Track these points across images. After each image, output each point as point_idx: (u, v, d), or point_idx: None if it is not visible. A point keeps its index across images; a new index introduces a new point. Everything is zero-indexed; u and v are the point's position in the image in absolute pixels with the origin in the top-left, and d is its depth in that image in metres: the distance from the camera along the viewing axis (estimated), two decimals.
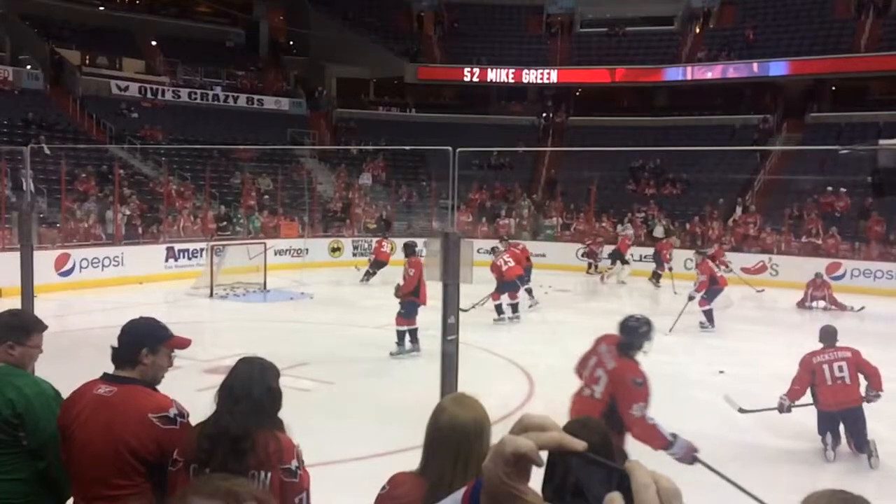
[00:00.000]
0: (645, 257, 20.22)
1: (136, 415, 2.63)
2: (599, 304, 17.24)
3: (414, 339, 10.19)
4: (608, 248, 20.66)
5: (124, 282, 16.25)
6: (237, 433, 2.41)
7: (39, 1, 28.27)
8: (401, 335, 10.17)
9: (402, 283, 10.27)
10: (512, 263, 13.04)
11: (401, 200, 25.48)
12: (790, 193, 22.88)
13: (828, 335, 6.85)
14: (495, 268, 13.00)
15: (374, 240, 19.43)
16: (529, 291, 14.48)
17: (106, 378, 2.78)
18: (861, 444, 6.50)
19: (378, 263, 17.77)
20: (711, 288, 12.69)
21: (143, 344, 2.78)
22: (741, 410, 7.08)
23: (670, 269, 18.33)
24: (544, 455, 0.76)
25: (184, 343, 2.89)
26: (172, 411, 2.65)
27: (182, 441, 2.56)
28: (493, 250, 14.53)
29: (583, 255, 21.41)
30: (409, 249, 10.71)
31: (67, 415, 2.74)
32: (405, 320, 10.15)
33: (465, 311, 12.56)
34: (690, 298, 12.61)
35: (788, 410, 6.75)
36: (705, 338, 12.47)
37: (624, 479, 0.71)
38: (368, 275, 17.76)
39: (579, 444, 0.75)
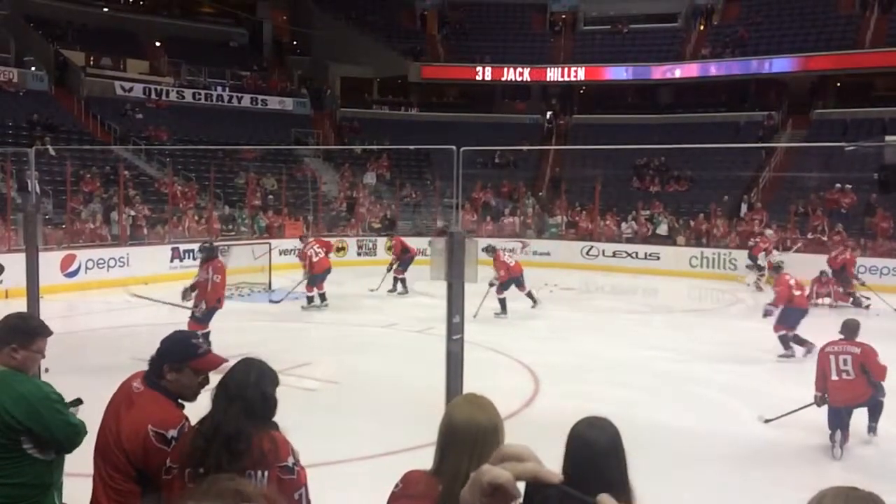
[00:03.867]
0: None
1: (139, 421, 2.66)
2: (603, 302, 17.26)
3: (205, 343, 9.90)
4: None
5: (130, 282, 16.29)
6: (229, 432, 2.38)
7: (43, 2, 28.38)
8: None
9: (193, 285, 9.57)
10: (322, 255, 14.12)
11: (405, 200, 25.49)
12: (795, 190, 22.80)
13: (848, 329, 6.87)
14: (306, 261, 14.12)
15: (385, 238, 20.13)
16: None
17: (144, 375, 2.82)
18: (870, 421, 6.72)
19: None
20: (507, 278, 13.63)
21: (166, 360, 2.76)
22: (766, 420, 7.13)
23: (862, 283, 15.97)
24: (522, 486, 0.76)
25: (213, 364, 2.79)
26: (171, 433, 2.63)
27: (176, 448, 2.55)
28: (303, 240, 15.35)
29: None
30: (209, 252, 9.71)
31: (113, 395, 2.85)
32: (200, 325, 9.36)
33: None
34: (491, 285, 13.34)
35: (825, 401, 6.74)
36: (707, 333, 12.46)
37: None
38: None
39: (555, 477, 0.75)
